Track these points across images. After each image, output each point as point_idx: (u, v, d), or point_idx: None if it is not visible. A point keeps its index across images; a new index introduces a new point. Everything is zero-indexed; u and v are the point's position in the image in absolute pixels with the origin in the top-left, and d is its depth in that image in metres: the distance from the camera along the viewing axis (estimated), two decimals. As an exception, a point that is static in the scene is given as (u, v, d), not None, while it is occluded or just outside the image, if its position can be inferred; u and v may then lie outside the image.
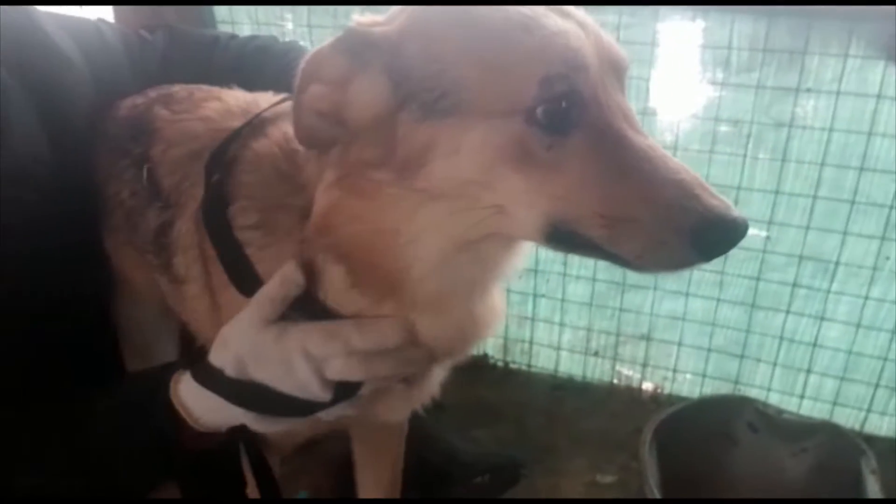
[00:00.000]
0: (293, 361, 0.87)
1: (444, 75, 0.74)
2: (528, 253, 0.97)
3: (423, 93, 0.75)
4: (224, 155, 1.01)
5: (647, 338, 2.08)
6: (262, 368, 0.89)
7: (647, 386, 2.13)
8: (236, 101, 1.15)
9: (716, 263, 1.84)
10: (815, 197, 1.74)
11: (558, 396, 2.17)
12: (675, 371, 2.07)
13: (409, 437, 1.44)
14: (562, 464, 1.89)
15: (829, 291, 1.83)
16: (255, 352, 0.89)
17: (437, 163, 0.76)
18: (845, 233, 1.75)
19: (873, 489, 1.42)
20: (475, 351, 2.26)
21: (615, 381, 2.16)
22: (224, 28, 2.19)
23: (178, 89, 1.25)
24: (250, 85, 1.21)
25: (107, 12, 2.00)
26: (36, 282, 1.10)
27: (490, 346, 2.29)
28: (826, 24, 1.64)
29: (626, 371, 2.15)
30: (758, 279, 1.87)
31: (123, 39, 1.39)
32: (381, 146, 0.79)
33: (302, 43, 2.09)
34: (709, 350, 2.00)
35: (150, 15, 1.96)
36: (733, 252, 1.87)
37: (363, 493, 1.47)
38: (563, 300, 2.12)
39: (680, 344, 2.03)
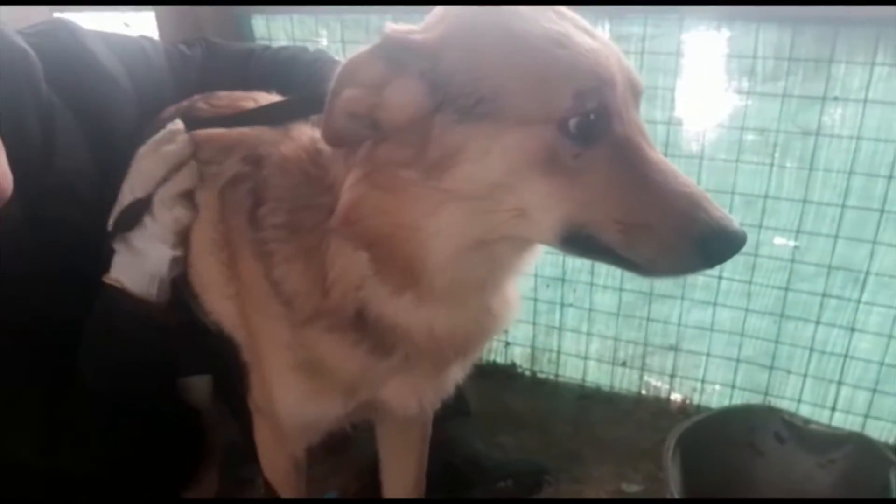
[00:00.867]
0: (123, 192, 1.20)
1: (483, 82, 0.81)
2: (539, 253, 1.01)
3: (461, 98, 0.81)
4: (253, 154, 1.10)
5: (675, 348, 2.07)
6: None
7: (676, 397, 2.12)
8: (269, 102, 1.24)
9: (744, 272, 1.87)
10: (843, 206, 1.72)
11: (585, 406, 2.17)
12: (703, 382, 2.06)
13: (433, 441, 1.48)
14: (587, 472, 1.89)
15: (859, 301, 1.80)
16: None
17: (467, 164, 0.82)
18: (875, 242, 1.72)
19: (902, 502, 1.39)
20: (503, 359, 2.29)
21: (643, 391, 2.15)
22: (262, 42, 2.28)
23: (220, 93, 1.34)
24: (281, 89, 1.30)
25: (151, 28, 2.12)
26: (80, 297, 1.18)
27: (518, 355, 2.31)
28: (852, 31, 1.63)
29: (654, 382, 2.14)
30: (787, 289, 1.85)
31: (165, 55, 1.47)
32: (413, 147, 0.85)
33: (335, 57, 2.18)
34: (737, 361, 1.98)
35: (191, 31, 2.06)
36: (761, 261, 1.88)
37: (388, 493, 1.51)
38: (590, 310, 2.13)
39: (708, 354, 2.02)
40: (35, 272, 1.14)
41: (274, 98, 1.27)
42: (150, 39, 1.51)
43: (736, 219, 0.79)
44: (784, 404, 1.93)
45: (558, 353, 2.23)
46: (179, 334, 1.27)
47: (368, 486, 1.61)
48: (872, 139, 1.66)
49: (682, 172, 0.82)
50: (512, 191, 0.82)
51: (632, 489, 1.84)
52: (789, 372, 1.94)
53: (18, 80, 1.13)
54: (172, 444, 1.43)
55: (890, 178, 1.66)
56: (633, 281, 2.04)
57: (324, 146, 0.97)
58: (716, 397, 2.06)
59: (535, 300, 2.18)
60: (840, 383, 1.88)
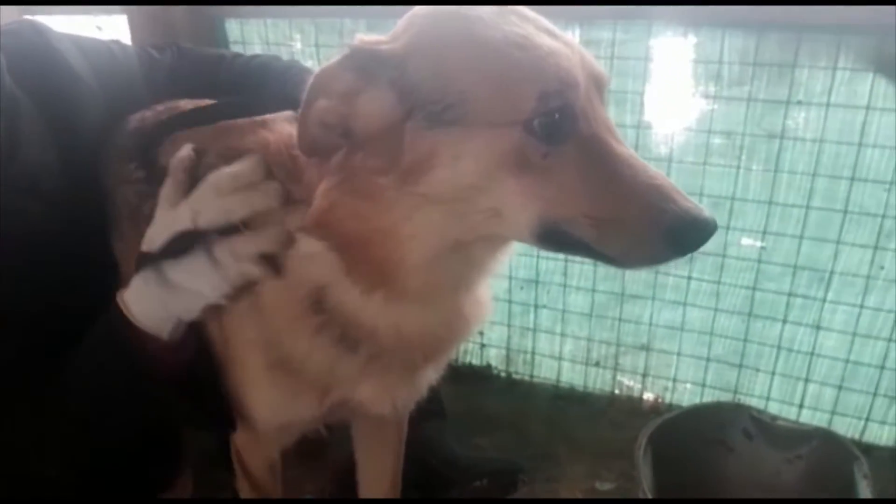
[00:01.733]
0: (179, 213, 0.97)
1: (449, 89, 0.83)
2: (512, 253, 1.03)
3: (430, 104, 0.83)
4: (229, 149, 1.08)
5: (647, 348, 2.11)
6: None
7: (648, 396, 2.15)
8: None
9: (712, 273, 1.91)
10: (808, 207, 1.76)
11: (559, 406, 2.19)
12: (674, 381, 2.09)
13: (409, 442, 1.49)
14: (561, 471, 1.91)
15: (825, 300, 1.84)
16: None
17: (440, 169, 0.84)
18: (839, 242, 1.77)
19: (865, 494, 1.43)
20: (478, 361, 2.30)
21: (616, 391, 2.18)
22: (236, 47, 2.28)
23: (185, 103, 1.33)
24: (252, 97, 1.30)
25: (123, 29, 2.10)
26: (38, 289, 1.15)
27: (493, 356, 2.32)
28: (815, 37, 1.68)
29: (626, 381, 2.18)
30: (754, 289, 1.90)
31: (133, 58, 1.47)
32: (386, 154, 0.86)
33: (309, 62, 2.19)
34: (707, 360, 2.02)
35: (164, 35, 2.05)
36: (729, 262, 1.92)
37: (364, 494, 1.52)
38: (563, 311, 2.16)
39: (679, 354, 2.05)
40: None
41: None
42: (118, 42, 1.50)
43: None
44: (753, 402, 1.97)
45: (533, 354, 2.25)
46: (181, 379, 1.11)
47: (344, 489, 1.62)
48: (835, 142, 1.71)
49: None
50: (485, 192, 0.84)
51: (605, 487, 1.87)
52: (758, 370, 1.98)
53: None
54: (147, 447, 1.43)
55: (852, 179, 1.70)
56: (606, 282, 2.07)
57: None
58: (687, 395, 2.10)
59: (510, 302, 2.20)
60: (807, 380, 1.92)
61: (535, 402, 2.22)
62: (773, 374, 1.96)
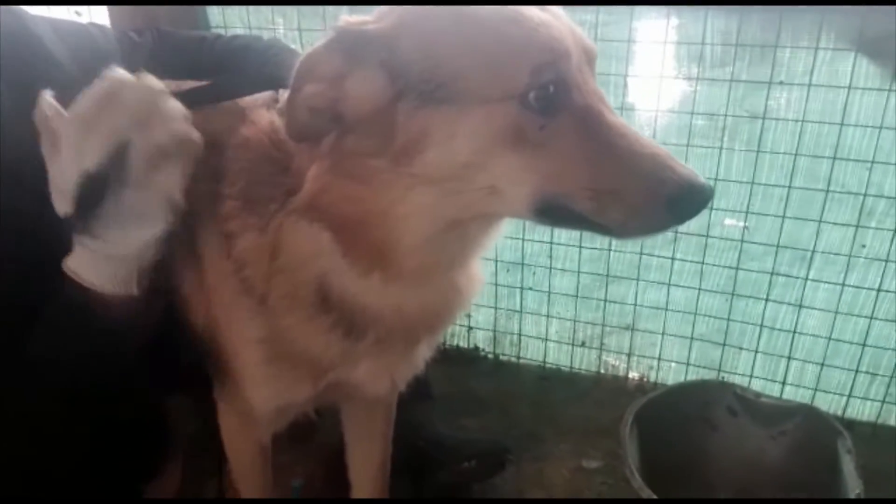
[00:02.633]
0: (63, 166, 0.89)
1: (440, 67, 0.82)
2: (506, 236, 1.03)
3: (421, 83, 0.82)
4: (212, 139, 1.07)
5: (632, 328, 2.13)
6: None
7: (633, 375, 2.17)
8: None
9: (696, 253, 1.93)
10: (790, 187, 1.78)
11: (546, 386, 2.21)
12: (659, 360, 2.11)
13: (397, 424, 1.49)
14: (548, 450, 1.93)
15: (807, 279, 1.87)
16: None
17: (435, 149, 0.83)
18: (821, 221, 1.79)
19: (849, 468, 1.45)
20: (465, 343, 2.31)
21: (601, 370, 2.21)
22: (218, 31, 2.25)
23: (168, 83, 1.31)
24: (233, 79, 1.29)
25: (102, 16, 2.07)
26: (22, 284, 1.14)
27: (480, 338, 2.34)
28: (796, 16, 1.69)
29: (612, 361, 2.20)
30: (737, 268, 1.91)
31: (113, 41, 1.45)
32: (378, 136, 0.85)
33: (293, 47, 2.17)
34: (692, 339, 2.04)
35: (144, 19, 2.03)
36: (712, 242, 1.93)
37: (353, 477, 1.52)
38: (549, 293, 2.17)
39: (664, 333, 2.07)
40: None
41: None
42: (98, 26, 1.48)
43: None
44: (737, 379, 1.99)
45: (519, 335, 2.27)
46: (153, 335, 1.09)
47: (334, 473, 1.63)
48: (816, 122, 1.72)
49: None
50: (482, 169, 0.84)
51: (592, 465, 1.89)
52: (741, 348, 2.01)
53: None
54: (134, 435, 1.43)
55: (834, 158, 1.72)
56: (591, 263, 2.09)
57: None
58: (672, 374, 2.12)
59: (496, 285, 2.21)
60: (790, 358, 1.94)
61: (521, 382, 2.23)
62: (757, 351, 1.98)
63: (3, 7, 1.27)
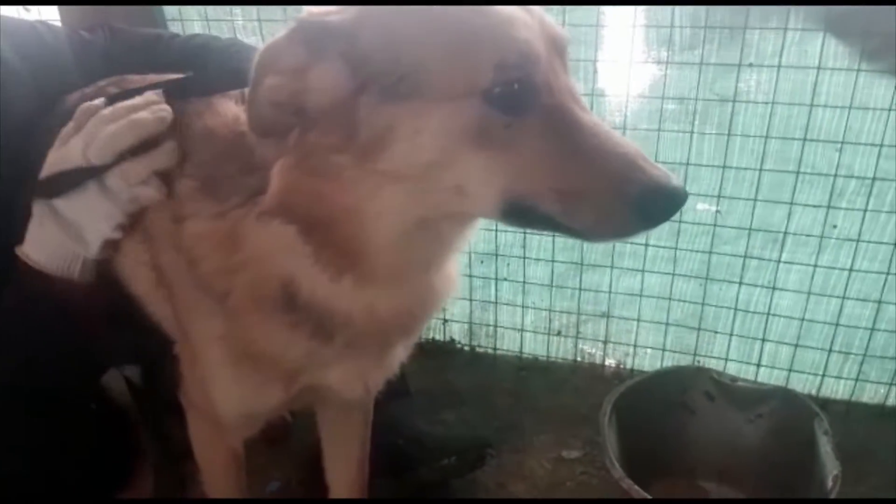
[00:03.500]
0: (70, 148, 1.03)
1: (403, 60, 0.78)
2: (479, 227, 1.01)
3: (383, 77, 0.79)
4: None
5: (608, 315, 2.12)
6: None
7: (610, 362, 2.17)
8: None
9: (669, 239, 1.92)
10: (761, 169, 1.77)
11: (523, 377, 2.20)
12: (635, 346, 2.11)
13: (375, 423, 1.46)
14: (528, 441, 1.93)
15: (779, 261, 1.87)
16: None
17: (400, 145, 0.80)
18: (792, 203, 1.79)
19: (826, 449, 1.46)
20: (441, 336, 2.29)
21: (578, 358, 2.20)
22: (174, 24, 2.19)
23: (131, 76, 1.27)
24: (201, 75, 1.24)
25: (53, 15, 1.99)
26: None
27: (456, 331, 2.32)
28: (765, -2, 1.68)
29: (588, 349, 2.19)
30: (710, 252, 1.91)
31: (63, 39, 1.39)
32: (342, 131, 0.82)
33: (252, 38, 2.11)
34: (667, 324, 2.04)
35: (97, 15, 1.94)
36: (685, 227, 1.92)
37: (331, 479, 1.49)
38: (524, 283, 2.15)
39: (639, 320, 2.07)
40: None
41: None
42: (45, 23, 1.42)
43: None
44: (712, 363, 2.01)
45: (495, 326, 2.25)
46: (102, 320, 1.16)
47: (311, 475, 1.60)
48: (786, 103, 1.71)
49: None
50: (448, 168, 0.81)
51: (572, 455, 1.88)
52: (716, 332, 2.01)
53: None
54: (99, 444, 1.38)
55: (804, 140, 1.72)
56: (565, 252, 2.07)
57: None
58: (648, 360, 2.12)
59: (471, 276, 2.18)
60: (764, 340, 1.95)
61: (499, 374, 2.22)
62: (731, 335, 1.99)
63: None
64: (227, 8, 2.15)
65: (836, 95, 1.67)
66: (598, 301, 2.12)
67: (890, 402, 1.91)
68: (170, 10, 2.19)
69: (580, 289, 2.11)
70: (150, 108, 1.03)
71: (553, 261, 2.07)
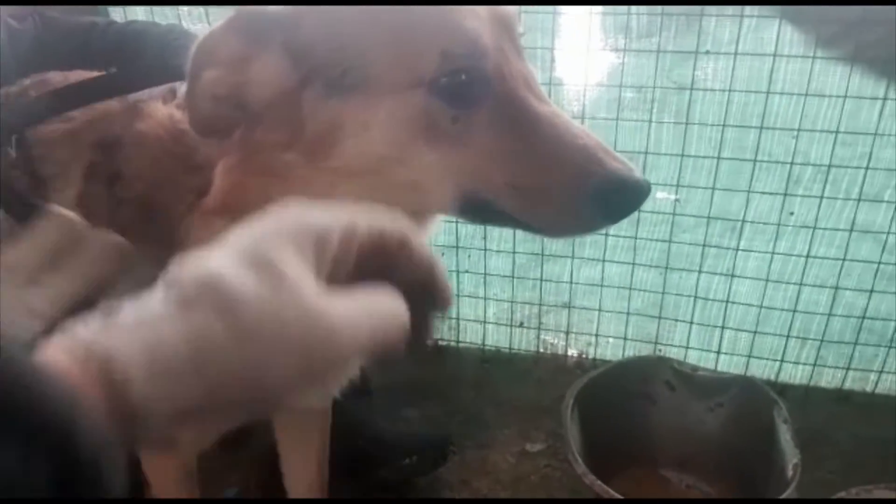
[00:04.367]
0: None
1: (346, 51, 0.74)
2: (440, 225, 0.97)
3: (327, 69, 0.74)
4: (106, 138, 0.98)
5: (569, 305, 2.10)
6: None
7: (572, 352, 2.16)
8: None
9: (629, 228, 1.90)
10: (718, 158, 1.77)
11: (486, 369, 2.18)
12: (597, 336, 2.10)
13: (335, 424, 1.42)
14: (492, 435, 1.91)
15: (737, 249, 1.87)
16: None
17: (349, 140, 0.76)
18: (749, 191, 1.78)
19: (786, 438, 1.47)
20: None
21: (541, 349, 2.18)
22: (115, 13, 2.09)
23: (54, 75, 1.19)
24: (130, 68, 1.19)
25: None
26: None
27: (417, 324, 2.28)
28: (721, -17, 1.66)
29: (550, 339, 2.18)
30: (669, 241, 1.90)
31: None
32: (287, 127, 0.78)
33: (198, 25, 2.03)
34: (628, 313, 2.03)
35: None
36: (645, 216, 1.91)
37: (290, 484, 1.45)
38: (485, 275, 2.12)
39: (600, 309, 2.06)
40: None
41: None
42: None
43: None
44: (673, 351, 2.01)
45: (458, 319, 2.22)
46: None
47: (270, 479, 1.55)
48: (743, 91, 1.70)
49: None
50: (401, 163, 0.77)
51: (535, 448, 1.87)
52: (676, 320, 2.01)
53: None
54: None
55: (761, 128, 1.71)
56: (526, 243, 2.04)
57: (188, 126, 0.87)
58: (610, 349, 2.12)
59: (431, 269, 2.14)
60: (723, 327, 1.96)
61: (462, 367, 2.20)
62: (692, 323, 1.99)
63: None
64: (170, -8, 2.06)
65: (792, 83, 1.66)
66: (560, 291, 2.10)
67: (847, 386, 1.93)
68: (111, -5, 2.09)
69: (541, 279, 2.09)
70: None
71: (514, 252, 2.05)
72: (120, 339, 0.38)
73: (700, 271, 1.91)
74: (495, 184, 0.76)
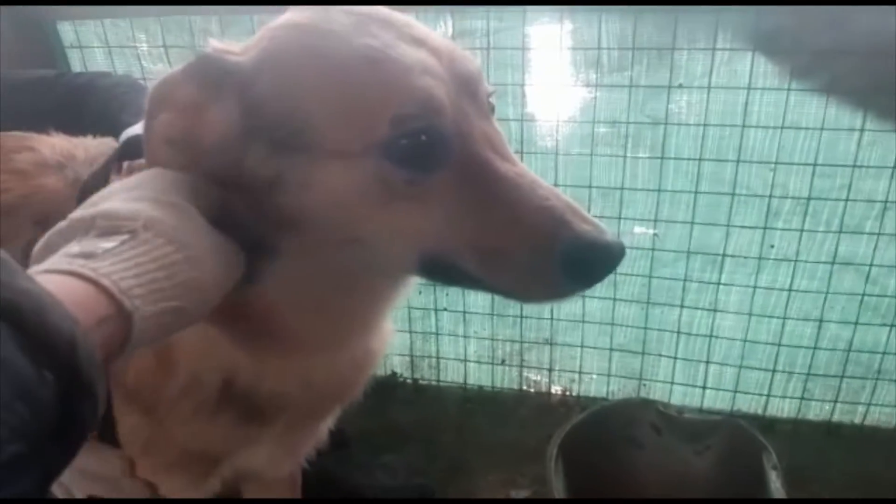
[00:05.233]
0: None
1: (294, 112, 0.70)
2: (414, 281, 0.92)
3: (273, 128, 0.71)
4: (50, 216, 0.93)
5: (551, 342, 2.06)
6: None
7: (556, 389, 2.11)
8: (52, 150, 1.06)
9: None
10: (696, 192, 1.73)
11: (469, 409, 2.13)
12: (580, 373, 2.06)
13: (309, 478, 1.38)
14: (475, 483, 1.85)
15: (719, 283, 1.83)
16: None
17: (285, 197, 0.72)
18: (729, 225, 1.75)
19: (775, 486, 1.43)
20: (382, 371, 2.19)
21: (524, 387, 2.13)
22: (73, 53, 2.03)
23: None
24: (73, 123, 1.14)
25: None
26: None
27: (397, 364, 2.22)
28: (692, 17, 1.62)
29: (533, 377, 2.13)
30: (650, 276, 1.86)
31: None
32: (228, 173, 0.74)
33: (158, 65, 1.97)
34: (611, 349, 1.98)
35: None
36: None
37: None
38: (465, 312, 2.07)
39: (582, 346, 2.01)
40: None
41: (56, 141, 1.10)
42: None
43: (609, 229, 0.70)
44: (658, 386, 1.97)
45: (437, 358, 2.17)
46: None
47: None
48: (718, 125, 1.66)
49: (539, 169, 0.72)
50: (349, 225, 0.73)
51: (521, 495, 1.82)
52: (660, 355, 1.97)
53: None
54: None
55: (738, 161, 1.67)
56: (503, 280, 1.99)
57: None
58: (594, 386, 2.07)
59: (409, 307, 2.09)
60: (708, 362, 1.92)
61: (443, 407, 2.14)
62: (676, 358, 1.95)
63: None
64: (128, 33, 2.00)
65: (767, 115, 1.63)
66: (541, 328, 2.06)
67: (835, 419, 1.90)
68: (67, 35, 2.03)
69: (522, 316, 2.04)
70: None
71: (492, 289, 1.99)
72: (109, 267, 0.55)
73: (682, 306, 1.87)
74: (456, 246, 0.72)
